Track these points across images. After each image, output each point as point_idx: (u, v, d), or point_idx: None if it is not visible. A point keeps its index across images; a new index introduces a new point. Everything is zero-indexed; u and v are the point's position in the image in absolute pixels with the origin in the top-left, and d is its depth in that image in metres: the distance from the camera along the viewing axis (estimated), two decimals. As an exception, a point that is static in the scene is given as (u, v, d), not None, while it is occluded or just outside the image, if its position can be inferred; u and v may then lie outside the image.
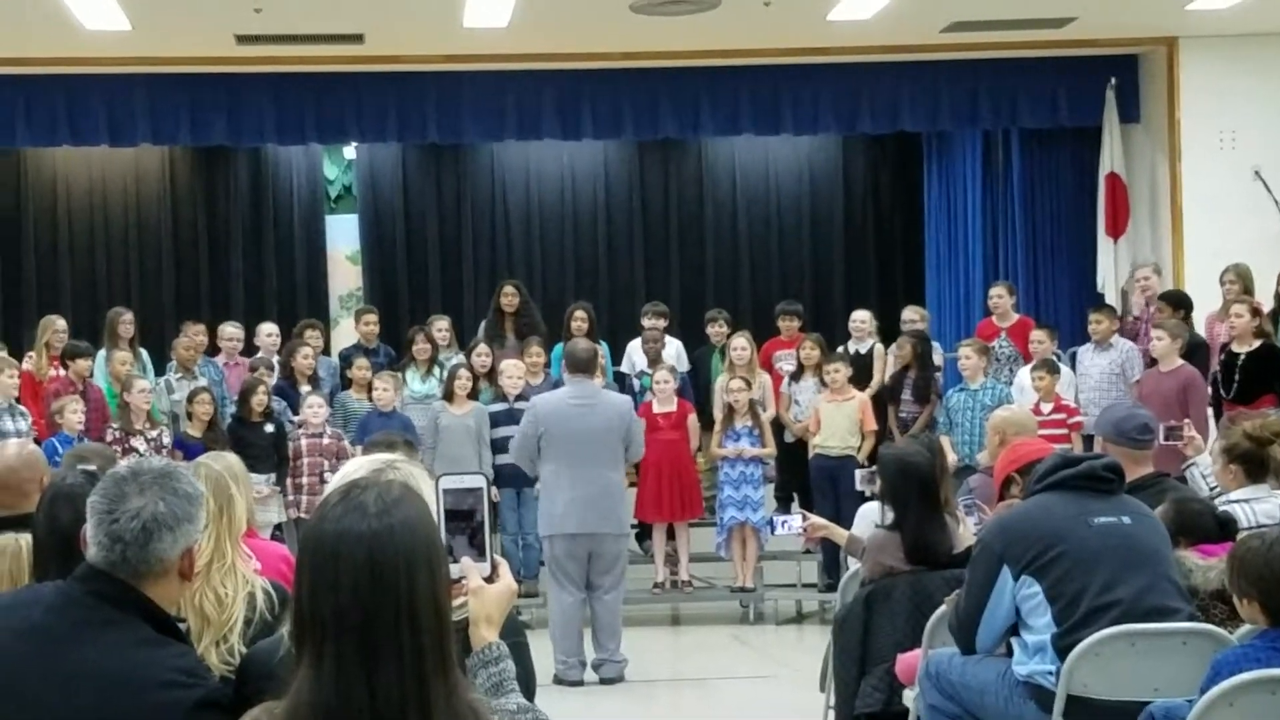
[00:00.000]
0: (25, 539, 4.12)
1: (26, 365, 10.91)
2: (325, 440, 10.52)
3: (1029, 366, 10.81)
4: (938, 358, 11.72)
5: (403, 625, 2.09)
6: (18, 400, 10.22)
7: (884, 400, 11.34)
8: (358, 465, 2.91)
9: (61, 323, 11.40)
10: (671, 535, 10.99)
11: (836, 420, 10.86)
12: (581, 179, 15.59)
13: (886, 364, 11.70)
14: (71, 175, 15.06)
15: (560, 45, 12.40)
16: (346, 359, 11.74)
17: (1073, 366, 11.36)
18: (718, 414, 11.10)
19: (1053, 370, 10.54)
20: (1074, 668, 4.60)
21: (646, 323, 12.12)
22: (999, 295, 12.08)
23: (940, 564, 5.82)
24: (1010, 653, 4.92)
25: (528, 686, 2.69)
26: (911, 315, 12.15)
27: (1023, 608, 4.79)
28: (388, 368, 11.48)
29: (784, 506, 11.23)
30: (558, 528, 8.94)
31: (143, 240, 15.20)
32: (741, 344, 11.32)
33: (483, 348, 11.48)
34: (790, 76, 13.01)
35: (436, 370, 11.44)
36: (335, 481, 2.83)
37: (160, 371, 11.60)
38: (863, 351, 11.78)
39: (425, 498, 2.37)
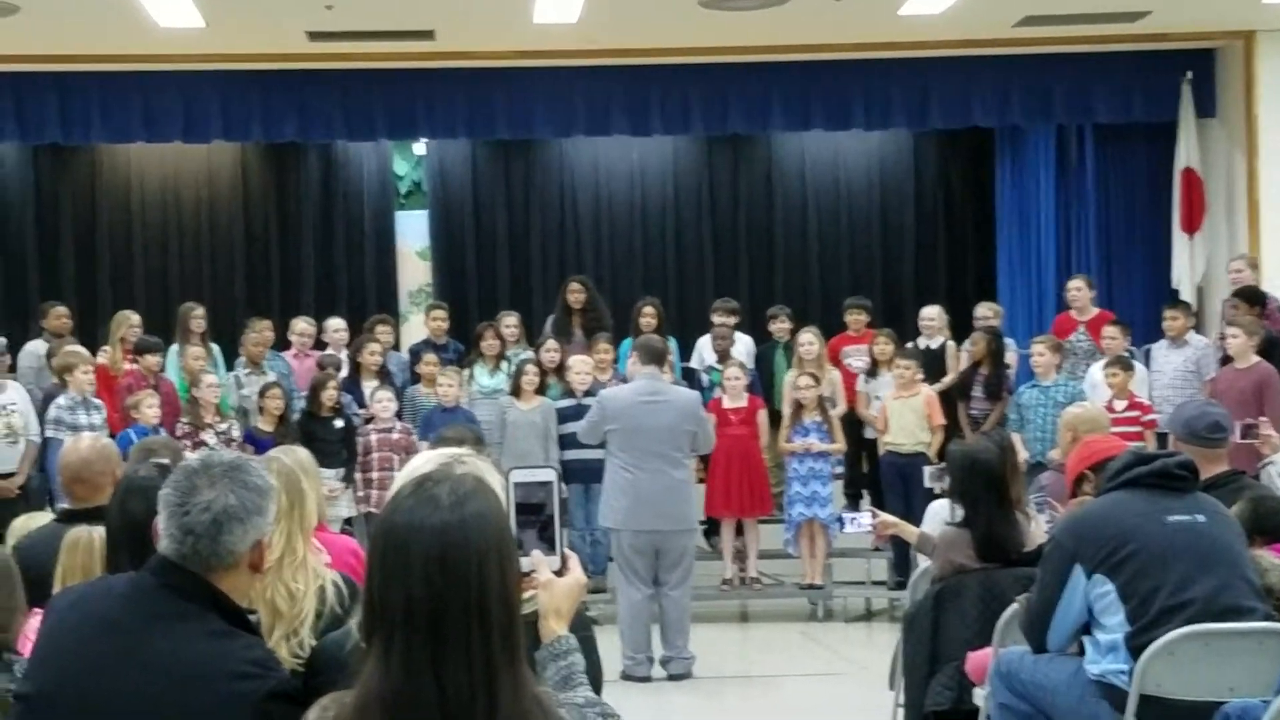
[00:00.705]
0: (98, 531, 4.17)
1: (101, 359, 11.03)
2: (395, 435, 10.57)
3: (1102, 363, 10.69)
4: (1010, 354, 11.63)
5: (472, 618, 2.09)
6: (93, 394, 10.35)
7: (955, 397, 11.25)
8: (425, 459, 2.90)
9: (136, 318, 11.50)
10: (740, 531, 10.96)
11: (904, 416, 10.81)
12: (650, 175, 15.57)
13: (959, 360, 11.61)
14: (145, 172, 15.20)
15: (630, 41, 12.39)
16: (416, 354, 11.79)
17: (1147, 363, 11.23)
18: (784, 409, 11.06)
19: (1126, 367, 10.42)
20: (1147, 667, 4.55)
21: (716, 319, 12.09)
22: (1078, 288, 11.93)
23: (1011, 561, 5.78)
24: (1082, 652, 4.87)
25: (596, 680, 2.69)
26: (985, 312, 12.04)
27: (1095, 606, 4.74)
28: (456, 363, 11.52)
29: (853, 504, 11.19)
30: (623, 523, 8.94)
31: (215, 236, 15.33)
32: (809, 339, 11.27)
33: (551, 343, 11.50)
34: (861, 71, 12.94)
35: (505, 365, 11.47)
36: (403, 476, 2.83)
37: (231, 367, 11.69)
38: (933, 347, 11.71)
39: (495, 492, 2.37)
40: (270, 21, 11.63)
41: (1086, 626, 4.82)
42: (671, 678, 8.97)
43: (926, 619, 5.87)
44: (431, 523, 2.13)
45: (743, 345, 12.08)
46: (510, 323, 12.11)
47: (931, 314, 11.94)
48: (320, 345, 12.21)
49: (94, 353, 11.03)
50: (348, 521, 10.41)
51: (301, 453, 4.52)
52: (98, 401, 10.31)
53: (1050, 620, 4.85)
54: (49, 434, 10.03)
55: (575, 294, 12.16)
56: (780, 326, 12.07)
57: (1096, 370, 10.77)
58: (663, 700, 8.61)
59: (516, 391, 10.85)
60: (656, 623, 9.10)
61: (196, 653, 2.78)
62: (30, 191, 15.05)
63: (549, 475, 2.65)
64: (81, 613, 2.94)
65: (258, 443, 9.77)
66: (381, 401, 10.65)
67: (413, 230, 15.20)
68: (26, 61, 12.30)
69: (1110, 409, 9.42)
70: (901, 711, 6.24)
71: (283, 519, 3.75)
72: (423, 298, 14.69)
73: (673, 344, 11.74)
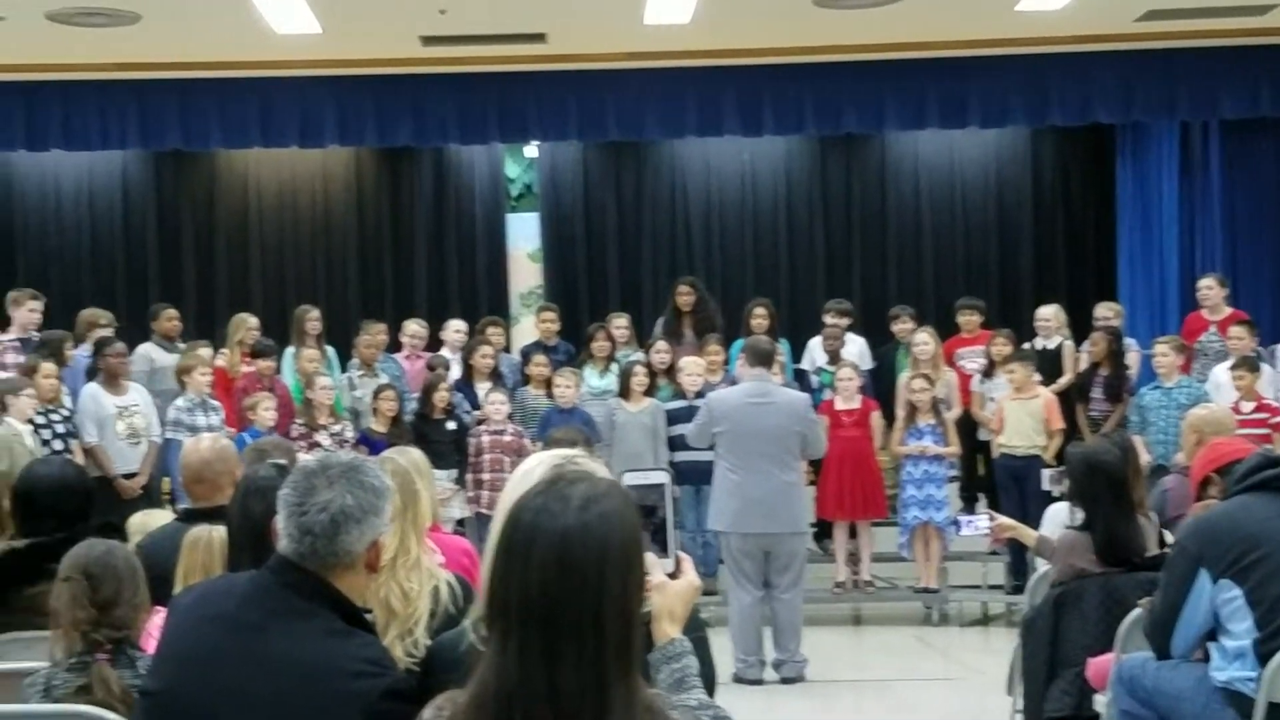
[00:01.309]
0: (218, 531, 4.22)
1: (220, 362, 11.18)
2: (507, 437, 10.59)
3: (1226, 364, 10.47)
4: (1131, 355, 11.42)
5: (586, 624, 2.07)
6: (211, 396, 10.50)
7: (1073, 398, 11.08)
8: (538, 461, 2.90)
9: (254, 320, 11.64)
10: (853, 534, 10.88)
11: (1020, 419, 10.65)
12: (762, 175, 15.52)
13: (1077, 361, 11.43)
14: (262, 177, 15.44)
15: (742, 41, 12.35)
16: (526, 356, 11.82)
17: (1273, 364, 10.98)
18: (899, 411, 10.96)
19: (1253, 368, 10.19)
20: (1276, 674, 4.44)
21: (828, 320, 12.01)
22: (1209, 287, 11.66)
23: (1133, 566, 5.67)
24: (1207, 658, 4.76)
25: (709, 682, 2.67)
26: (1105, 312, 11.81)
27: (1222, 612, 4.63)
28: (567, 364, 11.55)
29: (969, 506, 11.05)
30: (731, 525, 8.90)
31: (329, 240, 15.53)
32: (925, 340, 11.17)
33: (662, 344, 11.48)
34: (977, 68, 12.78)
35: (614, 367, 11.48)
36: (515, 478, 2.84)
37: (345, 369, 11.79)
38: (1050, 348, 11.54)
39: (629, 499, 2.34)
40: (385, 27, 11.74)
41: (1212, 632, 4.72)
42: (784, 681, 8.92)
43: (1046, 624, 5.78)
44: (556, 524, 2.11)
45: (855, 346, 11.98)
46: (620, 324, 12.11)
47: (1048, 314, 11.76)
48: (435, 346, 12.29)
49: (212, 355, 11.19)
50: (460, 523, 10.46)
51: (415, 453, 4.54)
52: (215, 403, 10.45)
53: (1174, 626, 4.75)
54: (168, 435, 10.18)
55: (684, 295, 12.14)
56: (902, 327, 11.96)
57: (1220, 371, 10.55)
58: (775, 703, 8.57)
59: (625, 393, 10.85)
60: (768, 625, 9.05)
61: (314, 651, 2.81)
62: (151, 197, 15.36)
63: (661, 478, 2.64)
64: (203, 611, 2.97)
65: (371, 444, 9.84)
66: (494, 403, 10.69)
67: (524, 232, 15.27)
68: (148, 70, 12.55)
69: (1236, 410, 9.22)
70: (1020, 717, 6.16)
71: (396, 519, 3.76)
72: (533, 300, 14.75)
73: (784, 346, 11.68)
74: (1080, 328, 11.88)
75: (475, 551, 5.03)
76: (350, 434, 10.48)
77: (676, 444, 10.46)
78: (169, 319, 11.77)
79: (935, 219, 15.50)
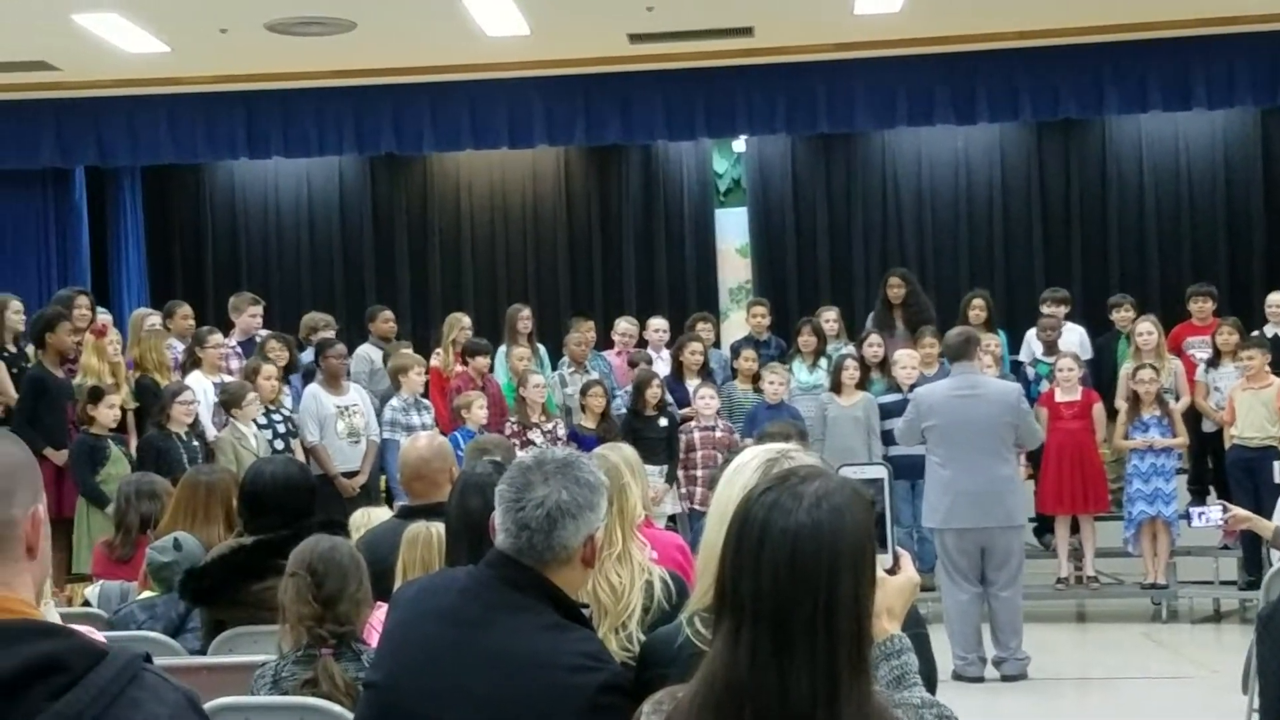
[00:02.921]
0: (436, 527, 4.29)
1: (434, 362, 11.37)
2: (718, 433, 10.59)
3: None
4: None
5: (818, 623, 2.03)
6: (424, 395, 10.68)
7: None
8: (751, 455, 2.87)
9: (467, 320, 11.80)
10: (1075, 529, 10.62)
11: (1253, 409, 10.28)
12: (976, 163, 15.24)
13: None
14: (474, 178, 15.69)
15: (954, 28, 12.15)
16: (736, 351, 11.80)
17: None
18: (1120, 403, 10.67)
19: None
20: None
21: (1045, 309, 11.77)
22: None
23: (1378, 561, 5.42)
24: None
25: (930, 679, 2.61)
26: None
27: None
28: (778, 359, 11.49)
29: (1198, 499, 10.71)
30: (944, 521, 8.75)
31: (539, 238, 15.70)
32: (1148, 328, 10.86)
33: (874, 338, 11.37)
34: (1201, 48, 12.35)
35: (823, 361, 11.39)
36: (728, 473, 2.81)
37: (556, 366, 11.90)
38: (1282, 335, 11.13)
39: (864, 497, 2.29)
40: (593, 26, 11.84)
41: None
42: (1005, 678, 8.74)
43: (1283, 621, 5.55)
44: (788, 521, 2.07)
45: (1075, 336, 11.71)
46: (829, 317, 12.03)
47: (1278, 300, 11.33)
48: (642, 344, 12.34)
49: (426, 356, 11.39)
50: (671, 519, 10.49)
51: (627, 449, 4.55)
52: (427, 403, 10.63)
53: None
54: (385, 435, 10.37)
55: (895, 288, 12.00)
56: (1123, 315, 11.67)
57: None
58: (997, 701, 8.41)
59: (837, 387, 10.76)
60: (986, 622, 8.88)
61: (533, 644, 2.83)
62: (367, 201, 15.73)
63: (880, 472, 2.60)
64: (425, 605, 3.02)
65: (582, 440, 9.90)
66: (704, 399, 10.69)
67: (732, 227, 15.24)
68: (363, 76, 12.85)
69: None
70: (1256, 717, 5.92)
71: (605, 515, 3.77)
72: (743, 294, 14.72)
73: (1001, 337, 11.47)
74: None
75: (688, 547, 5.03)
76: (562, 431, 10.57)
77: (890, 438, 10.33)
78: (385, 320, 12.02)
79: (1160, 203, 15.02)
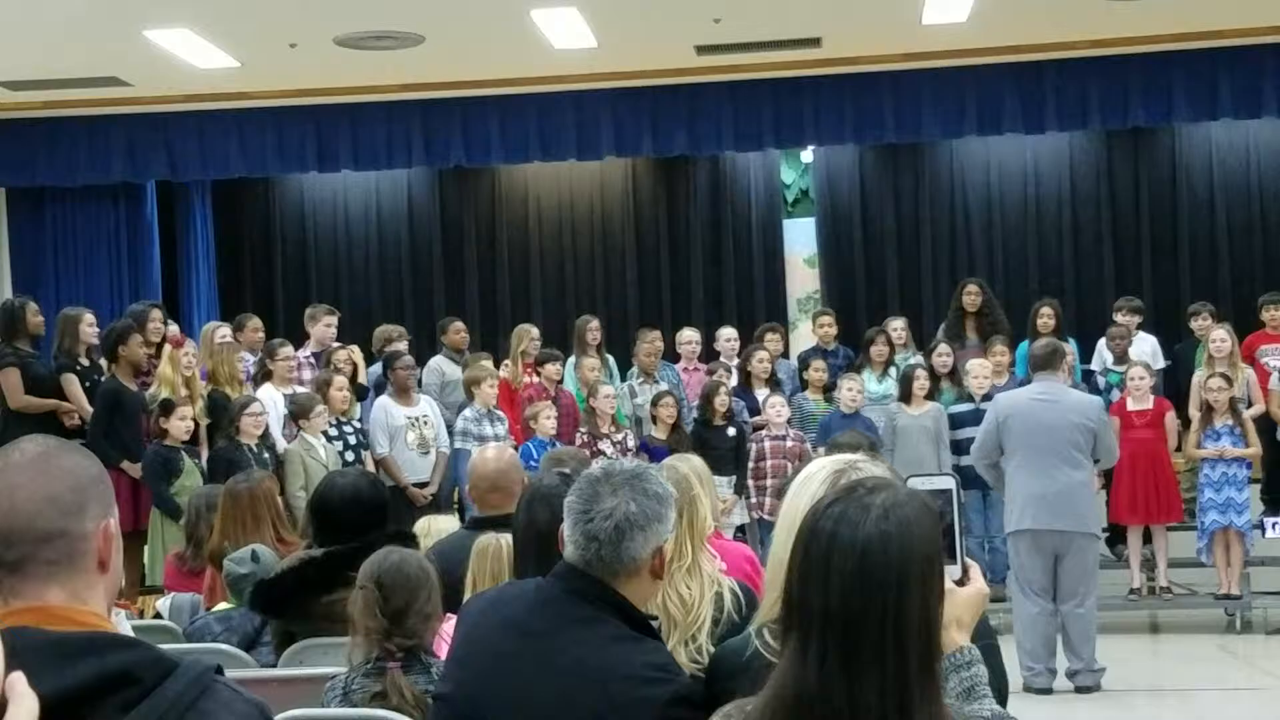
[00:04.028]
0: (505, 538, 4.30)
1: (503, 373, 11.40)
2: (789, 443, 10.56)
3: None
4: None
5: (888, 635, 2.02)
6: (495, 406, 10.71)
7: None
8: (820, 465, 2.87)
9: (535, 331, 11.82)
10: (1148, 539, 10.51)
11: (1326, 418, 10.16)
12: (1045, 172, 15.15)
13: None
14: (541, 190, 15.75)
15: (1022, 37, 12.08)
16: (805, 361, 11.77)
17: None
18: (1194, 412, 10.56)
19: None
20: None
21: (1118, 318, 11.67)
22: None
23: None
24: None
25: (1000, 691, 2.60)
26: None
27: None
28: (847, 369, 11.46)
29: (1272, 509, 10.57)
30: (1018, 523, 8.68)
31: (608, 249, 15.74)
32: (1221, 336, 10.75)
33: (943, 347, 11.31)
34: (1272, 55, 12.24)
35: (892, 371, 11.34)
36: (797, 482, 2.80)
37: (625, 377, 11.91)
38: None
39: (930, 507, 2.29)
40: (659, 37, 11.85)
41: None
42: (1079, 690, 8.66)
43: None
44: (856, 533, 2.07)
45: (1147, 345, 11.61)
46: (896, 326, 11.98)
47: (1352, 308, 11.20)
48: (711, 355, 12.33)
49: (496, 367, 11.42)
50: (740, 529, 10.47)
51: (696, 460, 4.55)
52: (500, 413, 10.65)
53: None
54: (457, 445, 10.40)
55: (971, 296, 11.90)
56: (1202, 324, 11.56)
57: None
58: (1069, 712, 8.35)
59: (906, 397, 10.71)
60: (1056, 633, 8.80)
61: (603, 656, 2.83)
62: (435, 213, 15.84)
63: (948, 483, 2.58)
64: (494, 617, 3.03)
65: (652, 451, 9.91)
66: (775, 408, 10.67)
67: (800, 237, 15.19)
68: (431, 89, 12.93)
69: None
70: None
71: (673, 526, 3.77)
72: (811, 305, 14.67)
73: (1072, 345, 11.38)
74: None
75: (757, 558, 5.01)
76: (632, 442, 10.57)
77: (961, 448, 10.27)
78: (456, 331, 12.05)
79: (1230, 211, 14.88)
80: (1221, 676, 9.28)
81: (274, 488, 6.39)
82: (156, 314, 10.72)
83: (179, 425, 9.33)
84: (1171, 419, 10.46)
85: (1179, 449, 10.64)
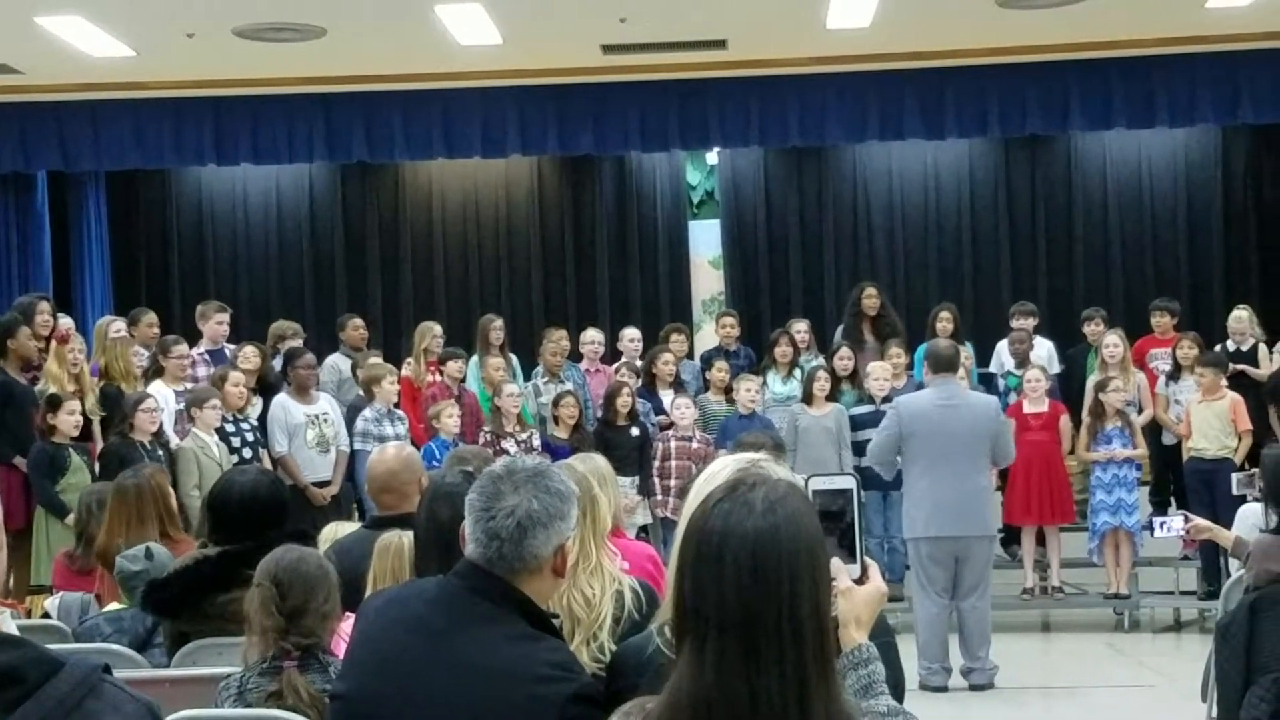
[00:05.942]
0: (407, 536, 4.27)
1: (406, 371, 11.32)
2: (694, 445, 10.57)
3: None
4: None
5: (784, 626, 2.04)
6: (396, 405, 10.63)
7: (1265, 401, 10.75)
8: (722, 465, 2.89)
9: (439, 329, 11.74)
10: (1041, 540, 10.68)
11: (1208, 421, 10.43)
12: (945, 178, 15.33)
13: (1270, 364, 11.09)
14: (446, 186, 15.67)
15: (924, 43, 12.22)
16: (708, 361, 11.82)
17: None
18: (1085, 416, 10.75)
19: None
20: None
21: (1015, 323, 11.85)
22: None
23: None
24: None
25: (897, 688, 2.63)
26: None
27: None
28: (749, 370, 11.52)
29: (1160, 510, 10.79)
30: (921, 531, 8.79)
31: (513, 248, 15.68)
32: (1114, 341, 10.97)
33: (844, 350, 11.41)
34: (1165, 66, 12.50)
35: (797, 372, 11.42)
36: (700, 482, 2.82)
37: (529, 377, 11.87)
38: (1244, 350, 11.21)
39: (807, 497, 2.32)
40: (566, 36, 11.84)
41: None
42: (973, 688, 8.79)
43: (1242, 629, 5.60)
44: (744, 529, 2.09)
45: (1043, 349, 11.80)
46: (800, 329, 12.05)
47: (1240, 316, 11.44)
48: (614, 355, 12.34)
49: (397, 364, 11.34)
50: (643, 529, 10.49)
51: (598, 459, 4.55)
52: (401, 413, 10.58)
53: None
54: (357, 446, 10.28)
55: (870, 299, 12.02)
56: (1095, 329, 11.76)
57: None
58: (963, 710, 8.46)
59: (809, 398, 10.80)
60: (953, 632, 8.92)
61: (502, 655, 2.82)
62: (337, 208, 15.69)
63: (848, 483, 2.61)
64: (392, 615, 3.01)
65: (554, 450, 9.90)
66: (680, 409, 10.71)
67: (705, 239, 15.27)
68: (333, 83, 12.80)
69: None
70: (1216, 725, 5.97)
71: (576, 525, 3.77)
72: (715, 306, 14.74)
73: (969, 349, 11.51)
74: (1275, 330, 11.54)
75: (659, 557, 5.03)
76: (537, 441, 10.56)
77: (861, 449, 10.37)
78: (355, 328, 11.95)
79: (1123, 219, 15.16)
80: (1110, 674, 9.45)
81: (164, 482, 6.28)
82: (44, 306, 10.39)
83: (67, 421, 9.12)
84: (1066, 422, 10.64)
85: (1072, 452, 10.81)
